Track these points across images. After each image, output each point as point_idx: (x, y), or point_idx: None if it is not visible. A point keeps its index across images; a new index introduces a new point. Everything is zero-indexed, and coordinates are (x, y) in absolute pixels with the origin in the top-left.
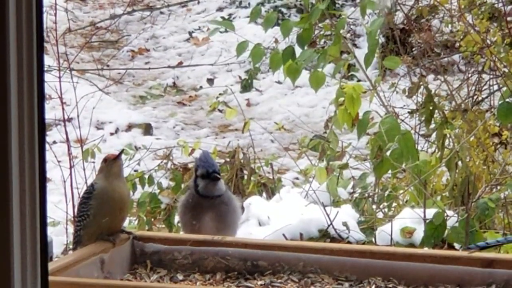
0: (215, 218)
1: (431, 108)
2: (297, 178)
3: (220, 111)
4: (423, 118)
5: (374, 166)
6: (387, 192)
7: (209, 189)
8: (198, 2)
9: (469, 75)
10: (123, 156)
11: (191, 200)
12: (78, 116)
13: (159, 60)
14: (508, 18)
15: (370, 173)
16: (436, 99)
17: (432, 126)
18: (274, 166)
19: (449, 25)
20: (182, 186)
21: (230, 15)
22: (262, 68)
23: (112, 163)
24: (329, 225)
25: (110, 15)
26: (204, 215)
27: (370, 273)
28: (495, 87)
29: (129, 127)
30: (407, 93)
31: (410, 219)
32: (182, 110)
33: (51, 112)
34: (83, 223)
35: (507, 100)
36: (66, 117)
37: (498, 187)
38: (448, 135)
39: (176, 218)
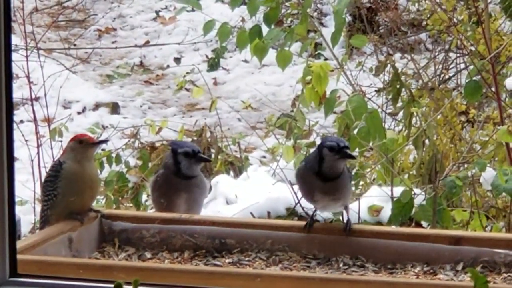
0: (188, 200)
1: (398, 86)
2: (264, 157)
3: (187, 90)
4: (390, 97)
5: None
6: (354, 171)
7: (192, 169)
8: None
9: (436, 54)
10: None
11: (162, 181)
12: (45, 95)
13: (126, 39)
14: None
15: None
16: (403, 78)
17: (399, 104)
18: (241, 145)
19: (416, 4)
20: (150, 164)
21: None
22: (229, 47)
23: (89, 147)
24: (296, 203)
25: None
26: (178, 196)
27: (338, 251)
28: (462, 66)
29: (96, 106)
30: (374, 72)
31: (378, 197)
32: (149, 89)
33: (18, 91)
34: (50, 203)
35: (473, 78)
36: (33, 96)
37: (466, 165)
38: (415, 114)
39: (144, 197)
